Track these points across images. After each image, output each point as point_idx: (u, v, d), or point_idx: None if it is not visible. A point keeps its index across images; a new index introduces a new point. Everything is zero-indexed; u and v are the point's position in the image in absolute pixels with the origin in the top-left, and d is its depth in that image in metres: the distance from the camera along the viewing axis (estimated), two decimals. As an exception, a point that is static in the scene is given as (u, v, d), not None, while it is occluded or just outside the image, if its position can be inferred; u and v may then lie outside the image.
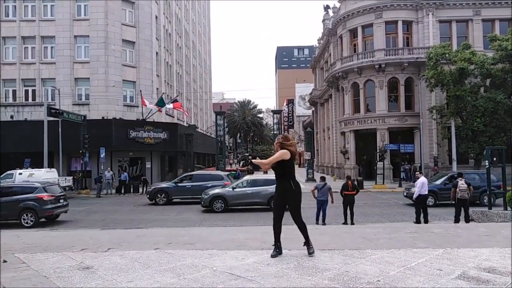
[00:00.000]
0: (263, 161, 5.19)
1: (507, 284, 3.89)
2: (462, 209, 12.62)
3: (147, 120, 31.00)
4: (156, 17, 35.12)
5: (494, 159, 13.44)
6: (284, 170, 5.13)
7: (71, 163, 30.94)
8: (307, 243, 5.24)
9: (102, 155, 27.55)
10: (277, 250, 5.18)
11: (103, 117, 29.68)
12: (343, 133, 36.14)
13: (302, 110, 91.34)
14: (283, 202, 5.21)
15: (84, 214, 17.31)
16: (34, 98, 30.89)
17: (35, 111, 30.19)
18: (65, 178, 25.21)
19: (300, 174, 43.78)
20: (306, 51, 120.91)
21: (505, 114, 25.00)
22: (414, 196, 13.19)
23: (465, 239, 6.49)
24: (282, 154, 5.01)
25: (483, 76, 25.78)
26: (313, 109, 56.42)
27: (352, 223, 13.00)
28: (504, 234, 6.94)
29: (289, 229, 5.73)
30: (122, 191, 26.61)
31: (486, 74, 25.41)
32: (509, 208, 12.48)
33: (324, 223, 12.87)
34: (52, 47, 31.06)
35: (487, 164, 13.65)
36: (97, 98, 30.50)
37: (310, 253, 5.16)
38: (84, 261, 5.20)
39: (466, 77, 25.77)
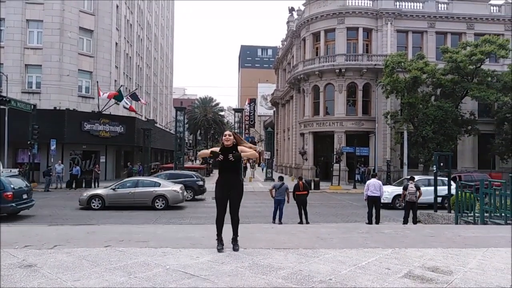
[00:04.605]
0: (247, 153, 5.18)
1: (448, 283, 4.11)
2: (411, 211, 13.23)
3: (103, 112, 29.81)
4: (117, 6, 33.84)
5: (441, 164, 14.28)
6: (239, 164, 5.33)
7: (17, 155, 29.13)
8: (236, 239, 5.30)
9: (53, 147, 26.16)
10: (222, 244, 5.27)
11: (55, 108, 28.16)
12: (302, 134, 36.78)
13: (263, 109, 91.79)
14: (229, 195, 5.23)
15: (30, 209, 16.32)
16: (-22, 84, 28.69)
17: (-21, 97, 28.05)
18: (10, 170, 23.63)
19: (258, 173, 44.15)
20: (270, 52, 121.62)
21: (452, 122, 26.58)
22: (364, 197, 13.67)
23: (412, 239, 6.78)
24: (256, 153, 5.40)
25: (434, 85, 27.28)
26: (274, 109, 56.97)
27: (307, 223, 13.27)
28: (448, 235, 7.35)
29: (245, 228, 5.72)
30: (73, 185, 25.43)
31: (437, 84, 26.92)
32: (452, 211, 13.26)
33: (280, 222, 13.03)
34: (1, 30, 29.01)
35: (435, 169, 14.44)
36: (49, 87, 28.86)
37: (236, 249, 5.21)
38: (27, 259, 4.88)
39: (419, 86, 27.13)
